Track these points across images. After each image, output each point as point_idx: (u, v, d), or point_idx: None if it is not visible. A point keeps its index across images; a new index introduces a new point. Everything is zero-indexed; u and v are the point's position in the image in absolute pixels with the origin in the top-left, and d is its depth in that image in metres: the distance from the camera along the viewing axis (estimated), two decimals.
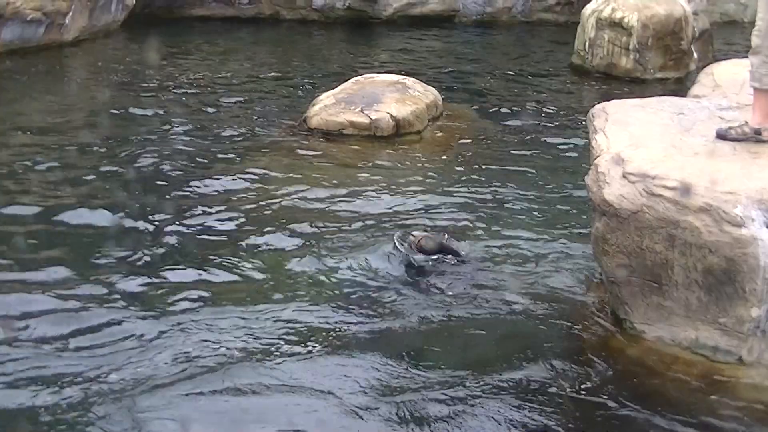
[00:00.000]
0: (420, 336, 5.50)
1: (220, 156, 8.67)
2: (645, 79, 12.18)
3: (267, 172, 8.21)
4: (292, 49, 13.86)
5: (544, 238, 6.87)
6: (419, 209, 7.45)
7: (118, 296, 5.79)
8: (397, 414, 4.70)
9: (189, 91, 11.09)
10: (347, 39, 14.98)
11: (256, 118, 10.04)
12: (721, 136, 5.48)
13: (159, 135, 9.24)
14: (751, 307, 4.90)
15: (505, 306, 5.83)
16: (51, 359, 5.04)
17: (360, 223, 7.05)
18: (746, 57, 5.66)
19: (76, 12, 12.80)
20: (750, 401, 4.85)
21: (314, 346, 5.29)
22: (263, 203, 7.47)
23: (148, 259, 6.35)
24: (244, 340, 5.31)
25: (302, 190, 7.74)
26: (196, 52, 13.35)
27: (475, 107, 10.84)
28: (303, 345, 5.31)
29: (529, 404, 4.82)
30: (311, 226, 6.98)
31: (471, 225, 7.13)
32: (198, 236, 6.79)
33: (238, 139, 9.27)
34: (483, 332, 5.58)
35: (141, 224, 6.93)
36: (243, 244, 6.66)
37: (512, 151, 9.25)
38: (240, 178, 8.01)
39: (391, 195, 7.75)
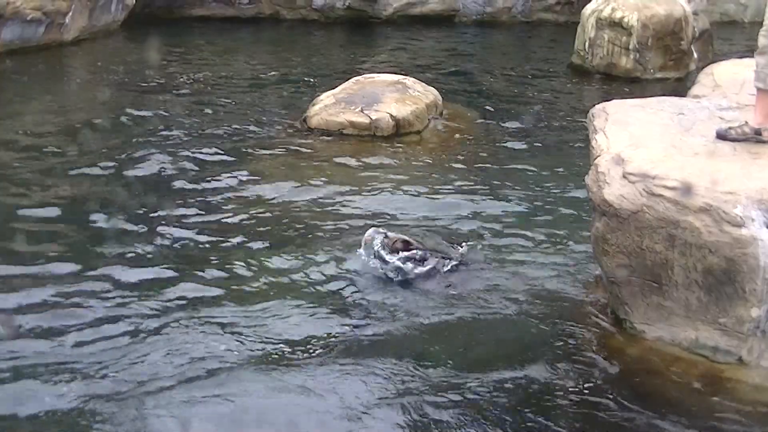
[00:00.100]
0: (420, 336, 5.50)
1: (219, 155, 8.67)
2: (645, 79, 12.19)
3: (267, 171, 8.21)
4: (292, 49, 13.86)
5: (543, 238, 6.87)
6: (419, 209, 7.45)
7: (117, 296, 5.78)
8: (397, 415, 4.70)
9: (189, 91, 11.09)
10: (347, 39, 14.98)
11: (256, 117, 10.03)
12: (721, 136, 5.48)
13: (159, 135, 9.23)
14: (751, 308, 4.90)
15: (505, 306, 5.83)
16: (50, 358, 5.04)
17: (360, 223, 7.04)
18: (746, 57, 5.66)
19: (76, 12, 12.80)
20: (750, 401, 4.85)
21: (314, 347, 5.30)
22: (263, 203, 7.47)
23: (147, 258, 6.36)
24: (244, 340, 5.31)
25: (302, 190, 7.74)
26: (196, 52, 13.35)
27: (475, 107, 10.84)
28: (303, 345, 5.31)
29: (530, 404, 4.83)
30: (311, 225, 6.99)
31: (471, 225, 7.12)
32: (198, 236, 6.78)
33: (238, 138, 9.27)
34: (483, 333, 5.59)
35: (141, 224, 6.92)
36: (243, 244, 6.66)
37: (512, 151, 9.26)
38: (240, 178, 8.02)
39: (391, 195, 7.75)
